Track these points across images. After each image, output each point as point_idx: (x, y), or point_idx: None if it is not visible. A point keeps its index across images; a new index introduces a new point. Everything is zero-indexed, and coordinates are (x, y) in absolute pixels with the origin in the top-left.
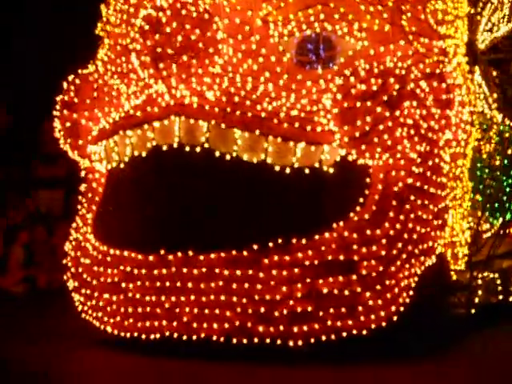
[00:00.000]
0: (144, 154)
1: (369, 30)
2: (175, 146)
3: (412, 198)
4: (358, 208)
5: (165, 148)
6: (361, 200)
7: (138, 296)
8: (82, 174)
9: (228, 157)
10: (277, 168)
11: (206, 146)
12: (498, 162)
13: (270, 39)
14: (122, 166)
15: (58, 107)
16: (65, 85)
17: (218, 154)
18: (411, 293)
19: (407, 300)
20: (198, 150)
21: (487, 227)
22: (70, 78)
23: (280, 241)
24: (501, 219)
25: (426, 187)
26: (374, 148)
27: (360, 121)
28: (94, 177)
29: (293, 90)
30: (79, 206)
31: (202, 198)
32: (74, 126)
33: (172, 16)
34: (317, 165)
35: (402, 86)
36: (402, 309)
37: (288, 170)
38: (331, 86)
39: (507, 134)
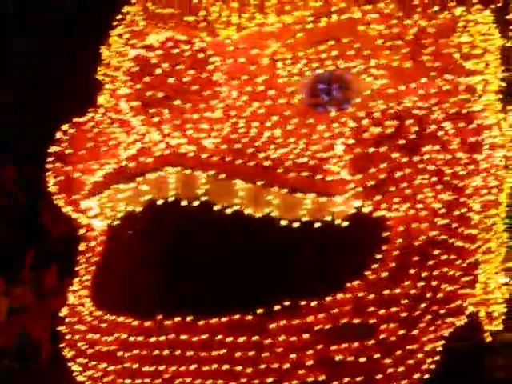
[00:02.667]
0: (138, 210)
1: (387, 66)
2: (171, 199)
3: (436, 252)
4: (374, 265)
5: (160, 202)
6: (378, 256)
7: (135, 366)
8: (81, 231)
9: (229, 211)
10: (283, 222)
11: (205, 199)
12: None
13: (277, 79)
14: (116, 223)
15: (50, 159)
16: (58, 134)
17: (217, 207)
18: (437, 358)
19: (433, 366)
20: (195, 203)
21: None
22: (64, 127)
23: (287, 303)
24: None
25: (451, 240)
26: (391, 198)
27: (374, 168)
28: (92, 235)
29: (303, 135)
30: (77, 267)
31: (200, 258)
32: (68, 180)
33: (163, 56)
34: (328, 218)
35: (421, 129)
36: (426, 376)
37: (296, 225)
38: (345, 130)
39: None
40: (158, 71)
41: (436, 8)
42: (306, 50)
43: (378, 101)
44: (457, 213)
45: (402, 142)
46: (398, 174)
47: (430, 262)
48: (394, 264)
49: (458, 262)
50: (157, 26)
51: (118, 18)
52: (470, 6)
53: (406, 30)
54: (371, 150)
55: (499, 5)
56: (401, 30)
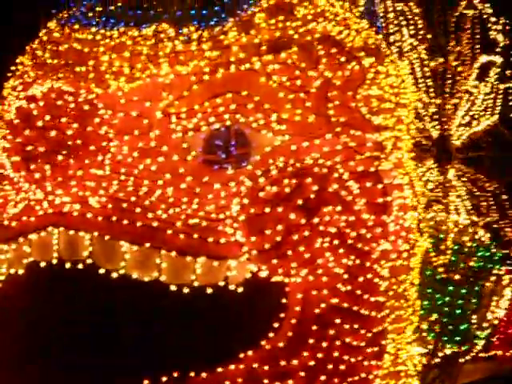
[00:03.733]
0: (20, 272)
1: (289, 121)
2: (54, 262)
3: (337, 321)
4: (270, 334)
5: (42, 265)
6: (275, 325)
7: None
8: None
9: (114, 274)
10: (172, 287)
11: (89, 261)
12: (456, 276)
13: (171, 135)
14: None
15: None
16: None
17: (102, 271)
18: None
19: None
20: (79, 266)
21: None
22: None
23: (175, 374)
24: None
25: (355, 308)
26: (288, 262)
27: (270, 230)
28: None
29: (197, 194)
30: None
31: (85, 326)
32: None
33: (45, 107)
34: (221, 283)
35: (322, 188)
36: None
37: (186, 290)
38: (242, 189)
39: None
40: (40, 124)
41: (343, 59)
42: (202, 103)
43: (278, 158)
44: (361, 279)
45: (299, 202)
46: (296, 236)
47: (331, 332)
48: (291, 333)
49: (362, 332)
50: (47, 77)
51: (11, 68)
52: (380, 57)
53: (309, 82)
54: (267, 210)
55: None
56: (304, 81)
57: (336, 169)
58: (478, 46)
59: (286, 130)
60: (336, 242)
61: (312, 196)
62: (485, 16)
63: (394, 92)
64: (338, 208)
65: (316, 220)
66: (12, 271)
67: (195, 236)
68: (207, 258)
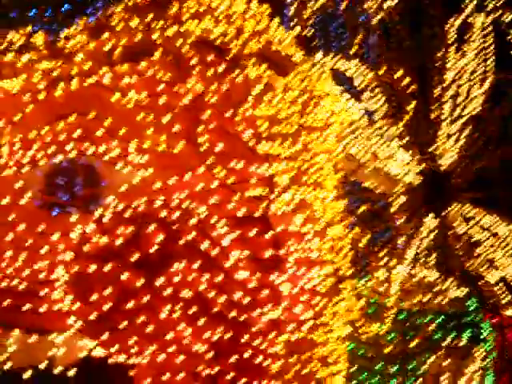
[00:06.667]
0: None
1: (152, 151)
2: None
3: None
4: None
5: None
6: None
7: None
8: None
9: None
10: None
11: None
12: None
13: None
14: None
15: None
16: None
17: None
18: None
19: None
20: None
21: None
22: None
23: None
24: None
25: None
26: (125, 337)
27: (97, 294)
28: None
29: (26, 248)
30: None
31: None
32: None
33: None
34: (42, 365)
35: (172, 238)
36: None
37: None
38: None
39: None
40: None
41: (222, 67)
42: (39, 130)
43: (139, 199)
44: (234, 358)
45: (136, 256)
46: (132, 302)
47: None
48: None
49: None
50: None
51: None
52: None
53: (177, 100)
54: (92, 268)
55: None
56: (170, 98)
57: (196, 213)
58: None
59: (147, 162)
60: (194, 308)
61: (155, 249)
62: None
63: (298, 110)
64: (196, 265)
65: (161, 281)
66: None
67: (4, 304)
68: (22, 333)
